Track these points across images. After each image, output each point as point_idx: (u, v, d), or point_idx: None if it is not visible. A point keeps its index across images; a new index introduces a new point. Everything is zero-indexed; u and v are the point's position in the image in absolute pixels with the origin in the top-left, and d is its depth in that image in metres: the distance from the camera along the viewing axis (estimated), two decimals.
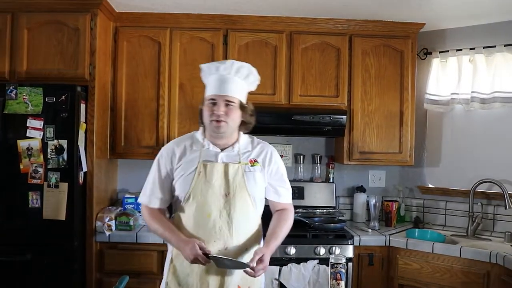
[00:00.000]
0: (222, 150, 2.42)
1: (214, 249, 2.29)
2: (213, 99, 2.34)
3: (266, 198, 2.55)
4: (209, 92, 2.38)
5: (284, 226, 2.47)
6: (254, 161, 2.43)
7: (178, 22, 3.94)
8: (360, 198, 4.29)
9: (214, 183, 2.34)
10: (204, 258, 2.18)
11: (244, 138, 2.51)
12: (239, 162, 2.40)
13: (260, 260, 2.23)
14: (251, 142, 2.52)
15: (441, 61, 4.12)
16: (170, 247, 2.44)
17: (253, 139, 2.55)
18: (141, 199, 2.49)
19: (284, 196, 2.56)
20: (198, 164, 2.36)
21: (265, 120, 3.88)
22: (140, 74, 3.93)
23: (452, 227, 4.10)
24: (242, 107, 2.39)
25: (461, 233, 3.92)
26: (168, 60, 3.91)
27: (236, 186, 2.36)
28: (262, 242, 2.47)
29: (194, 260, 2.21)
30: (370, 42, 4.03)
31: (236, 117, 2.37)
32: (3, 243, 3.33)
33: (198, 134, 2.48)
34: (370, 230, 3.90)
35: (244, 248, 2.36)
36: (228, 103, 2.33)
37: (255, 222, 2.45)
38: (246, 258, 2.33)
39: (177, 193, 2.42)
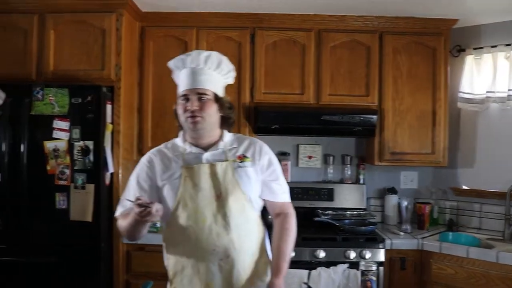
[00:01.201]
0: (205, 150, 2.24)
1: (214, 258, 2.12)
2: (185, 95, 2.18)
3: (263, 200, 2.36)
4: (180, 88, 2.22)
5: (288, 238, 2.25)
6: (243, 156, 2.24)
7: (204, 21, 3.90)
8: (392, 200, 4.18)
9: (203, 186, 2.15)
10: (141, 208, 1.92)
11: (229, 135, 2.32)
12: (226, 160, 2.22)
13: None
14: (237, 138, 2.34)
15: (475, 58, 3.99)
16: (168, 269, 2.24)
17: (239, 136, 2.38)
18: (118, 212, 2.28)
19: (279, 194, 2.31)
20: (181, 169, 2.18)
21: (294, 120, 3.85)
22: (166, 74, 3.81)
23: (487, 230, 3.96)
24: (217, 99, 2.21)
25: (497, 237, 3.77)
26: None
27: (227, 185, 2.16)
28: (268, 245, 2.31)
29: (141, 213, 1.93)
30: (401, 39, 3.93)
31: (212, 111, 2.18)
32: (30, 244, 3.33)
33: (178, 140, 2.31)
34: (402, 233, 3.80)
35: (249, 252, 2.20)
36: (201, 96, 2.15)
37: (255, 222, 2.25)
38: (251, 264, 2.19)
39: (165, 205, 2.16)
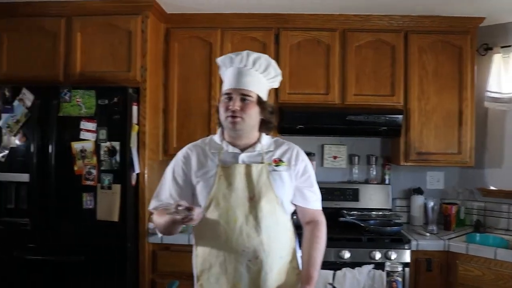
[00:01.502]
0: (242, 151, 2.23)
1: (243, 259, 2.12)
2: (228, 94, 2.16)
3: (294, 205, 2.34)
4: (225, 86, 2.20)
5: (319, 246, 2.23)
6: (279, 160, 2.24)
7: (228, 22, 3.92)
8: (418, 200, 4.14)
9: (237, 186, 2.15)
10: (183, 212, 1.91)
11: (267, 138, 2.31)
12: (262, 162, 2.21)
13: None
14: (274, 142, 2.32)
15: (503, 57, 3.93)
16: (194, 266, 2.25)
17: (277, 139, 2.36)
18: (153, 206, 2.29)
19: (311, 202, 2.31)
20: (217, 168, 2.18)
21: (318, 121, 3.84)
22: (191, 75, 3.93)
23: None
24: (260, 102, 2.19)
25: None
26: None
27: (261, 187, 2.16)
28: (298, 249, 2.29)
29: (184, 219, 1.91)
30: (426, 38, 3.89)
31: (253, 113, 2.16)
32: (58, 243, 3.38)
33: (216, 137, 2.30)
34: (428, 234, 3.76)
35: (277, 255, 2.18)
36: (244, 97, 2.14)
37: (286, 226, 2.24)
38: (279, 267, 2.18)
39: (197, 202, 2.21)
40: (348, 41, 3.91)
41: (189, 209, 1.91)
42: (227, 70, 2.24)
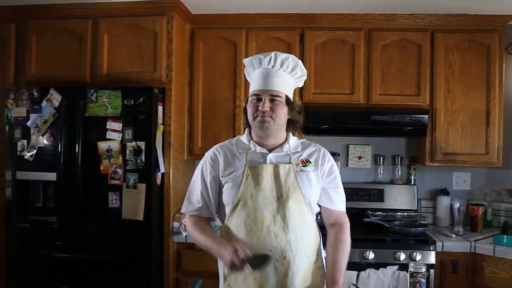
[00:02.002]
0: (270, 151, 2.25)
1: (271, 260, 2.09)
2: (257, 95, 2.19)
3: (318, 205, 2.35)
4: (253, 87, 2.23)
5: (345, 250, 2.22)
6: (306, 161, 2.25)
7: (253, 22, 3.92)
8: (444, 201, 4.09)
9: (265, 186, 2.16)
10: (240, 262, 1.94)
11: (294, 139, 2.34)
12: (290, 163, 2.23)
13: None
14: (302, 143, 2.34)
15: None
16: (221, 265, 2.26)
17: (304, 140, 2.38)
18: (185, 209, 2.34)
19: (337, 203, 2.32)
20: (245, 168, 2.20)
21: (343, 121, 3.83)
22: (216, 75, 3.95)
23: None
24: (288, 103, 2.22)
25: None
26: None
27: (289, 187, 2.17)
28: (322, 249, 2.29)
29: (232, 265, 1.98)
30: (453, 37, 3.84)
31: (282, 113, 2.20)
32: (84, 242, 3.43)
33: (243, 137, 2.33)
34: (453, 235, 3.71)
35: (304, 255, 2.18)
36: (273, 98, 2.17)
37: (312, 226, 2.24)
38: (305, 268, 2.18)
39: (224, 201, 2.25)
40: (374, 41, 3.88)
41: (243, 262, 1.95)
42: (255, 71, 2.27)
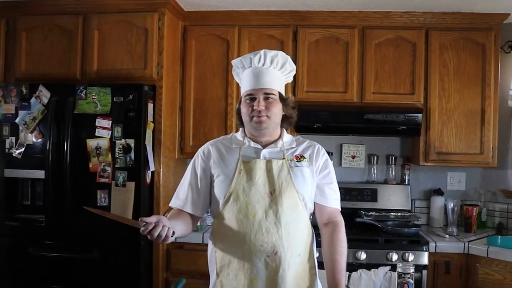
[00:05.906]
0: (264, 147, 2.24)
1: (261, 254, 2.11)
2: (251, 94, 2.19)
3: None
4: (246, 87, 2.22)
5: (343, 250, 2.20)
6: (301, 156, 2.24)
7: (246, 19, 3.89)
8: (438, 201, 4.05)
9: (257, 180, 2.15)
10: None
11: (288, 135, 2.34)
12: (283, 158, 2.21)
13: None
14: (296, 139, 2.34)
15: None
16: (212, 263, 2.25)
17: (298, 137, 2.38)
18: (174, 203, 2.30)
19: (331, 199, 2.28)
20: (238, 162, 2.19)
21: (336, 119, 3.79)
22: (208, 73, 3.91)
23: None
24: (282, 99, 2.24)
25: None
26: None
27: (282, 182, 2.15)
28: (314, 248, 2.27)
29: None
30: (448, 35, 3.80)
31: (277, 110, 2.20)
32: (72, 240, 3.40)
33: (238, 134, 2.33)
34: (447, 236, 3.67)
35: (296, 252, 2.15)
36: (267, 96, 2.17)
37: (305, 223, 2.22)
38: (297, 265, 2.15)
39: (216, 195, 2.22)
40: (368, 39, 3.85)
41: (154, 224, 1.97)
42: (245, 71, 2.26)
